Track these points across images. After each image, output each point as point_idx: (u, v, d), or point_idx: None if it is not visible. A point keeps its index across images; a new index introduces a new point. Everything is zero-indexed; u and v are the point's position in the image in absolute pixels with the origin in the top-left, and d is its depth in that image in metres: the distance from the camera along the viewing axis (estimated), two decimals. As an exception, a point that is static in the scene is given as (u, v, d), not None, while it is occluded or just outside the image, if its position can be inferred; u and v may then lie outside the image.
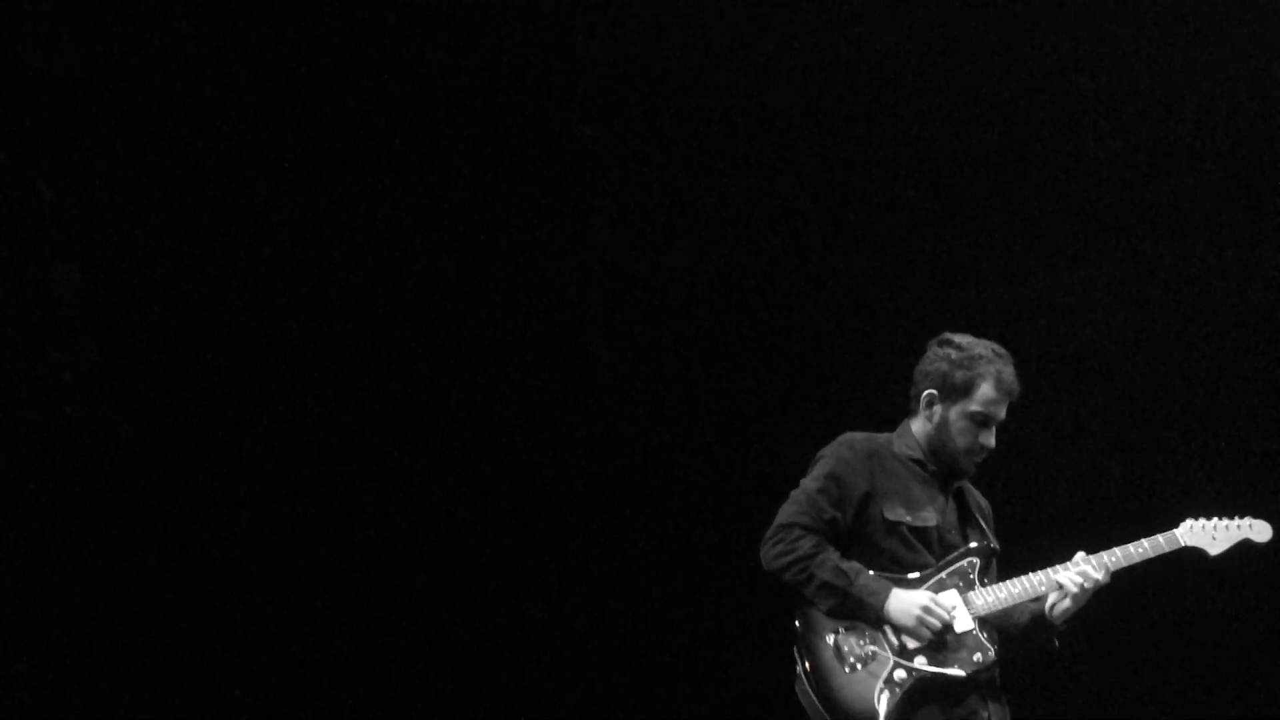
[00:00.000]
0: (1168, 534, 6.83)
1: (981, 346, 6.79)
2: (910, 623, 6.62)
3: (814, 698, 6.63)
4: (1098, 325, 9.17)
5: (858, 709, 6.58)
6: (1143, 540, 6.80)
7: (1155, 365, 9.13)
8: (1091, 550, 6.77)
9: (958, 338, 6.83)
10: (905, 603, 6.63)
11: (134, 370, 9.29)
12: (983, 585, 6.75)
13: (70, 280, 9.24)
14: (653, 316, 9.39)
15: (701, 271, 9.38)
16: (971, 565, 6.76)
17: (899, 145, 9.24)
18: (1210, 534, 6.85)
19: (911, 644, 6.64)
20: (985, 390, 6.75)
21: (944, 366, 6.77)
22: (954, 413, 6.78)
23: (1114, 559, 6.74)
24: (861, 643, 6.65)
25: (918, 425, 6.86)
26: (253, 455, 9.30)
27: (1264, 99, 9.01)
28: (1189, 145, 9.08)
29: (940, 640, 6.65)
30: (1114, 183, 9.14)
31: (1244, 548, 6.88)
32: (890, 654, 6.64)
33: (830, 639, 6.67)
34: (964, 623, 6.69)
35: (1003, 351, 6.81)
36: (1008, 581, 6.78)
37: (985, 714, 6.70)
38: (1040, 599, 6.76)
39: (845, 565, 6.65)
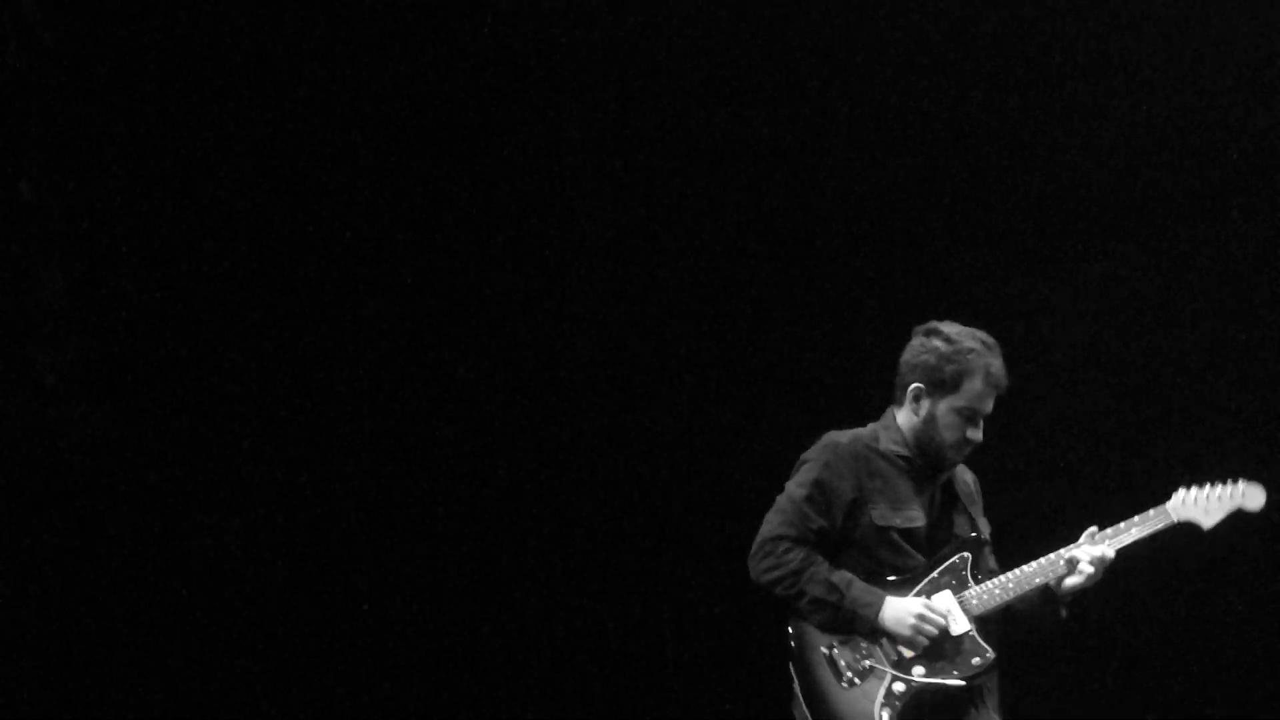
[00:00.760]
0: (1159, 508, 6.63)
1: (970, 339, 6.62)
2: (906, 632, 6.51)
3: (808, 715, 6.54)
4: (1087, 323, 9.12)
5: None
6: (1133, 518, 6.64)
7: (1146, 363, 9.09)
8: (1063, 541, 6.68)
9: (945, 328, 6.65)
10: (899, 611, 6.51)
11: (118, 371, 9.24)
12: (976, 582, 6.62)
13: (53, 281, 9.17)
14: (641, 316, 9.34)
15: (690, 269, 9.34)
16: (964, 561, 6.64)
17: (891, 142, 9.19)
18: (1203, 506, 6.63)
19: (908, 653, 6.53)
20: (974, 385, 6.58)
21: (931, 360, 6.60)
22: (942, 407, 6.61)
23: (1118, 537, 6.59)
24: (857, 656, 6.54)
25: (903, 417, 6.69)
26: (239, 456, 9.25)
27: (1262, 97, 8.96)
28: (1184, 144, 9.04)
29: (937, 646, 6.54)
30: (1106, 181, 9.10)
31: (1239, 518, 6.68)
32: (888, 666, 6.53)
33: (825, 653, 6.57)
34: (960, 625, 6.57)
35: (991, 342, 6.65)
36: (1002, 577, 6.63)
37: (981, 715, 6.60)
38: (1048, 580, 6.61)
39: (835, 578, 6.53)
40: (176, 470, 9.22)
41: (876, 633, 6.53)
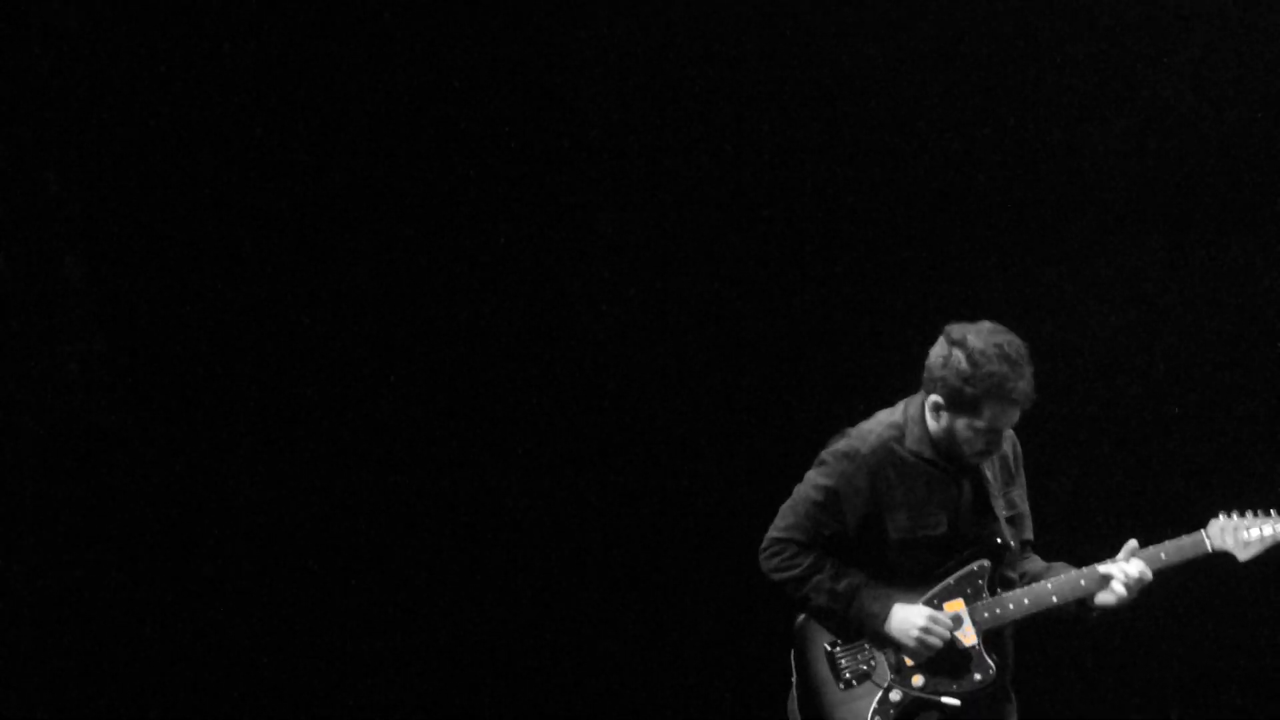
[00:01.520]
0: (1194, 536, 6.46)
1: (996, 359, 6.32)
2: (910, 642, 6.44)
3: (799, 715, 6.54)
4: (1111, 319, 9.05)
5: None
6: (1165, 543, 6.47)
7: (1169, 359, 9.02)
8: (1098, 551, 6.58)
9: (972, 339, 6.35)
10: (904, 621, 6.44)
11: (142, 363, 9.27)
12: (993, 593, 6.51)
13: (77, 271, 9.22)
14: (655, 309, 9.33)
15: (705, 263, 9.31)
16: (982, 569, 6.52)
17: (908, 137, 9.13)
18: (1242, 539, 6.41)
19: (910, 662, 6.47)
20: (994, 409, 6.34)
21: (953, 379, 6.35)
22: (960, 424, 6.41)
23: (1153, 560, 6.45)
24: (858, 659, 6.51)
25: (929, 420, 6.50)
26: (261, 449, 9.27)
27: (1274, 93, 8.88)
28: (1201, 139, 8.96)
29: (941, 657, 6.47)
30: (1128, 176, 9.02)
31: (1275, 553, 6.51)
32: (888, 673, 6.49)
33: (826, 650, 6.54)
34: (968, 638, 6.49)
35: (1018, 356, 6.35)
36: (1019, 591, 6.50)
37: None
38: (1066, 600, 6.51)
39: (840, 586, 6.46)
40: (199, 460, 9.24)
41: (881, 639, 6.48)
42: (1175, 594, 8.61)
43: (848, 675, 6.50)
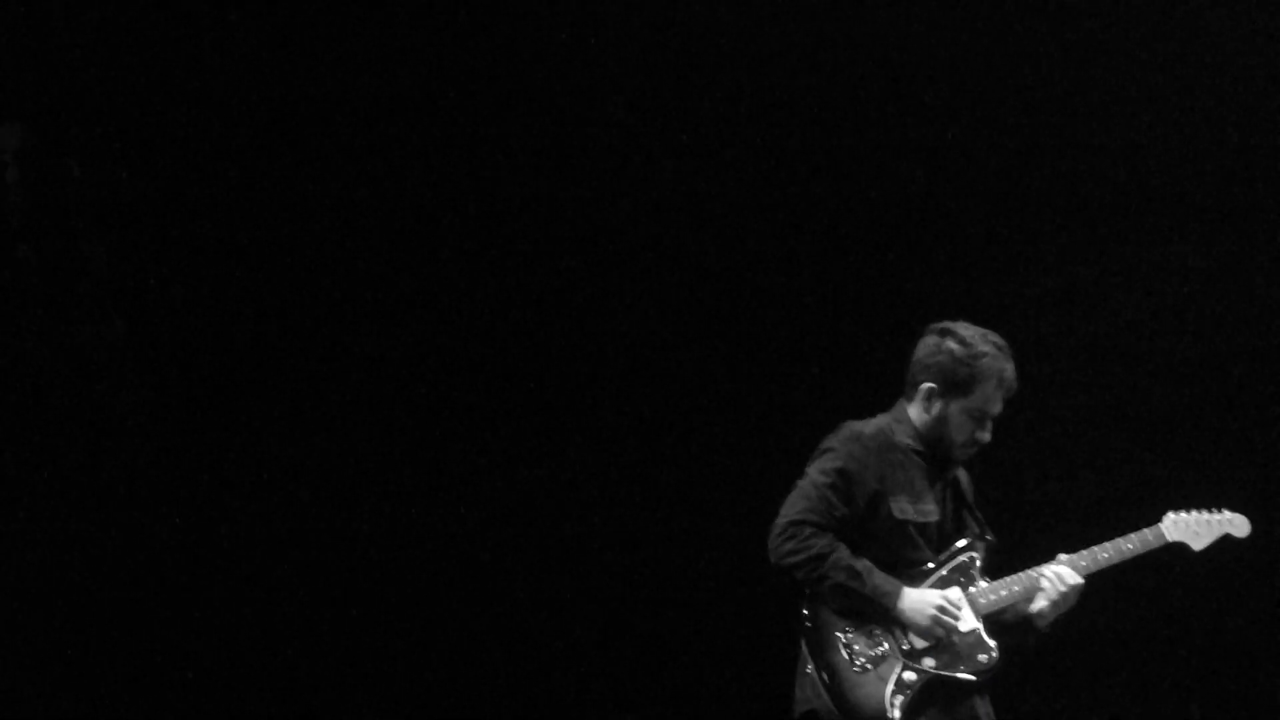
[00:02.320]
0: (1154, 529, 6.81)
1: (984, 342, 6.68)
2: (924, 622, 6.57)
3: (827, 699, 6.58)
4: (1088, 320, 9.12)
5: (869, 710, 6.53)
6: (1130, 535, 6.78)
7: (1146, 361, 9.10)
8: (1072, 548, 6.75)
9: (960, 329, 6.71)
10: (918, 602, 6.58)
11: (163, 348, 9.32)
12: (983, 581, 6.70)
13: (100, 258, 9.26)
14: (653, 308, 9.37)
15: (703, 261, 9.36)
16: (971, 560, 6.72)
17: (906, 135, 9.18)
18: (1193, 529, 6.84)
19: (919, 644, 6.59)
20: (985, 389, 6.65)
21: (945, 361, 6.66)
22: (954, 408, 6.68)
23: (1097, 559, 6.72)
24: (870, 643, 6.59)
25: (914, 413, 6.75)
26: (278, 434, 9.30)
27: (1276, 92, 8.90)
28: (1197, 139, 9.01)
29: (947, 640, 6.60)
30: (1116, 177, 9.08)
31: (1226, 542, 6.91)
32: (899, 655, 6.59)
33: (839, 637, 6.61)
34: (969, 621, 6.64)
35: (1003, 345, 6.71)
36: (1007, 578, 6.73)
37: (981, 712, 6.66)
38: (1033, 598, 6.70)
39: (858, 565, 6.57)
40: (221, 446, 9.28)
41: (891, 621, 6.58)
42: (1197, 594, 8.67)
43: (862, 659, 6.60)
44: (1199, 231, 9.06)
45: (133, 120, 9.24)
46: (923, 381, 6.69)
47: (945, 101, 9.10)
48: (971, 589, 6.67)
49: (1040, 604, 6.69)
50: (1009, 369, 6.66)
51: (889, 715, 6.49)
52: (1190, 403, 9.06)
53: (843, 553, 6.57)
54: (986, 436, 6.70)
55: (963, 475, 6.89)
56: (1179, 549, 6.85)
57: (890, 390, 6.94)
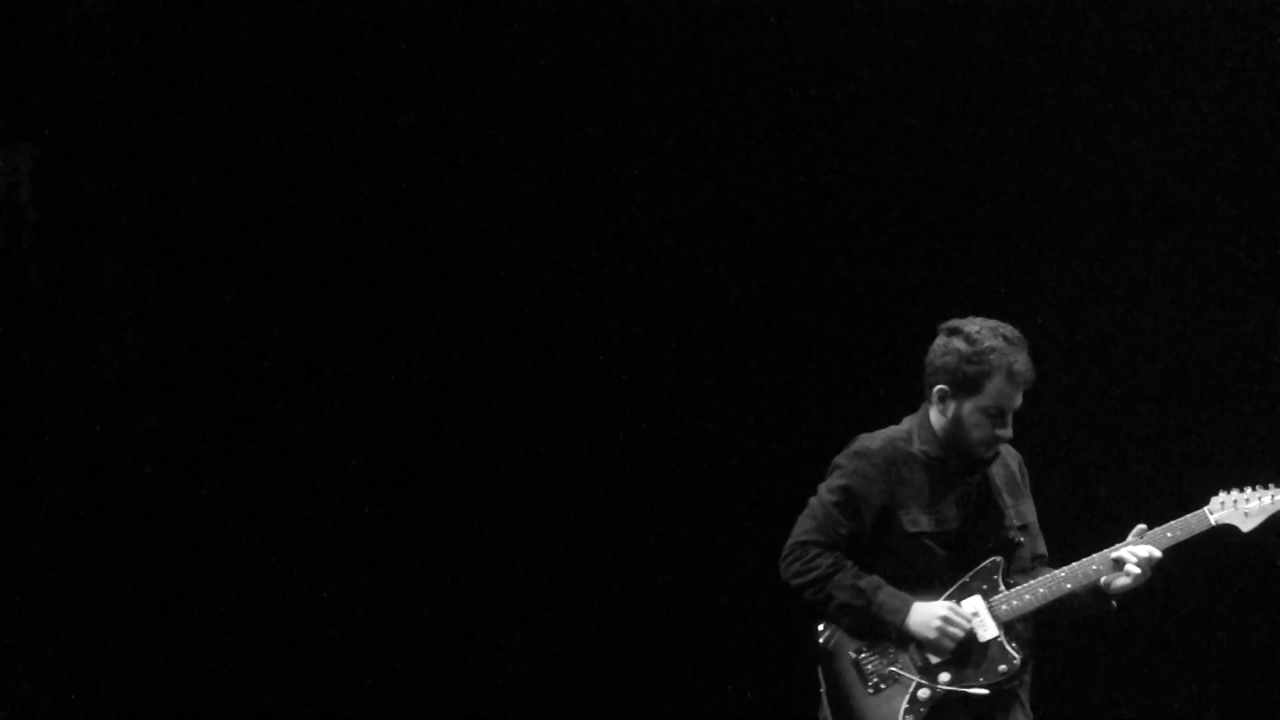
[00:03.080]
0: (1197, 513, 6.59)
1: (992, 336, 6.49)
2: (931, 635, 6.46)
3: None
4: (1114, 313, 9.02)
5: None
6: (1173, 523, 6.59)
7: (1173, 353, 9.00)
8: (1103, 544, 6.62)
9: (967, 326, 6.54)
10: (925, 616, 6.47)
11: (179, 364, 9.33)
12: (1008, 587, 6.57)
13: (115, 275, 9.28)
14: (666, 312, 9.35)
15: (714, 261, 9.32)
16: (995, 565, 6.58)
17: (918, 131, 9.12)
18: (1242, 509, 6.58)
19: (935, 660, 6.49)
20: (997, 385, 6.47)
21: (952, 361, 6.50)
22: (967, 408, 6.52)
23: (1159, 540, 6.54)
24: (884, 661, 6.51)
25: (934, 416, 6.60)
26: (294, 451, 9.32)
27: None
28: (1211, 134, 8.93)
29: (964, 652, 6.49)
30: (1132, 171, 9.00)
31: (1277, 522, 6.64)
32: (913, 673, 6.50)
33: (853, 657, 6.54)
34: (988, 631, 6.52)
35: (1015, 337, 6.53)
36: (1033, 581, 6.56)
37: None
38: (1080, 586, 6.56)
39: (863, 583, 6.50)
40: (236, 462, 9.30)
41: (904, 638, 6.50)
42: (1212, 595, 8.62)
43: (875, 679, 6.52)
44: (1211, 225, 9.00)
45: (145, 137, 9.25)
46: (935, 384, 6.56)
47: (946, 103, 9.07)
48: (994, 596, 6.54)
49: (1122, 580, 6.52)
50: (1019, 361, 6.48)
51: None
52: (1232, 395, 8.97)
53: (846, 573, 6.50)
54: (1007, 433, 6.53)
55: (1009, 462, 6.73)
56: (1228, 531, 6.62)
57: (905, 397, 6.86)
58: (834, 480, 6.62)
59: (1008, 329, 6.53)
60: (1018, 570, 6.63)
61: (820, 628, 6.62)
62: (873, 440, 6.67)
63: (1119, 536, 6.62)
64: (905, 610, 6.48)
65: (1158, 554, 6.52)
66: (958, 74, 9.06)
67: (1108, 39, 8.92)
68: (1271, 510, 6.61)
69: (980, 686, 6.48)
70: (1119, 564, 6.53)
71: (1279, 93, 8.80)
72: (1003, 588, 6.57)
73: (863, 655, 6.54)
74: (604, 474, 9.30)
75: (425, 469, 9.34)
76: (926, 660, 6.50)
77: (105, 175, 9.27)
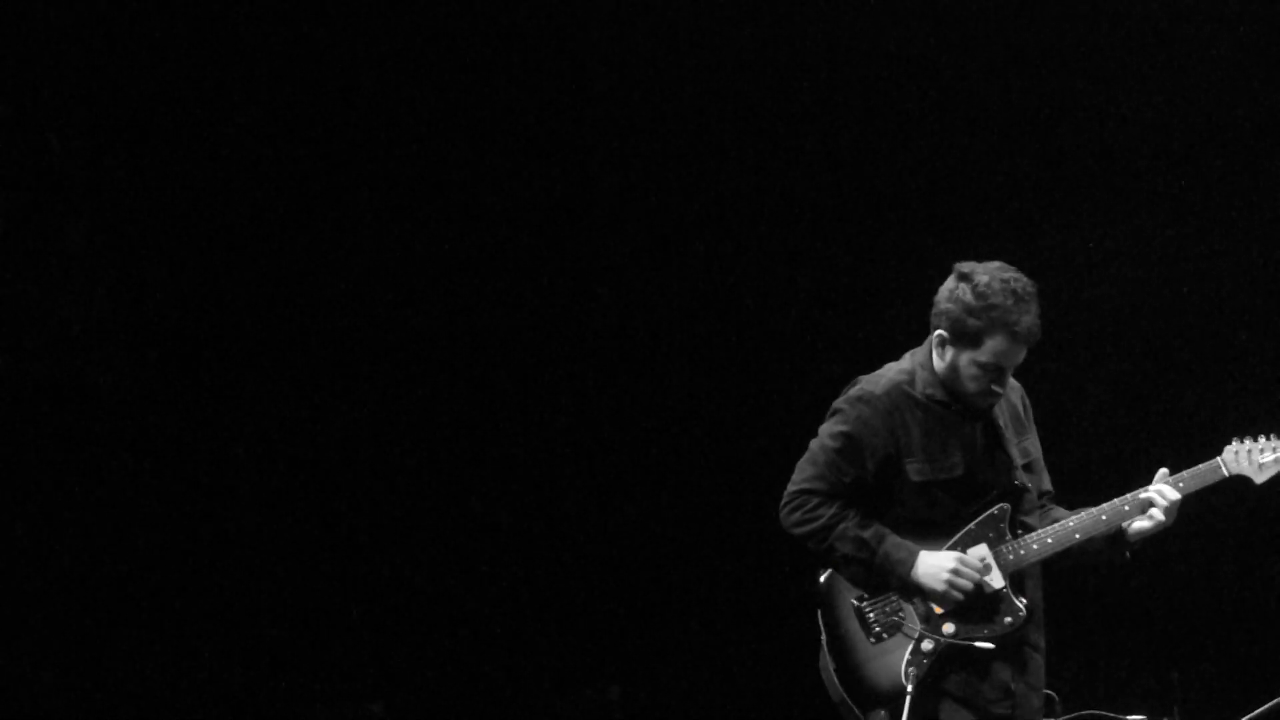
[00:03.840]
0: (1210, 464, 6.47)
1: (1000, 291, 6.23)
2: (939, 587, 6.30)
3: (832, 672, 6.42)
4: (1118, 280, 9.05)
5: (884, 682, 6.34)
6: (1185, 473, 6.46)
7: (1186, 320, 9.03)
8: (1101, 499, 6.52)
9: (977, 275, 6.28)
10: (932, 566, 6.31)
11: (143, 321, 9.29)
12: (1014, 535, 6.39)
13: (79, 232, 9.20)
14: (659, 289, 9.39)
15: (708, 227, 9.36)
16: (1003, 512, 6.40)
17: (918, 102, 9.17)
18: (1256, 460, 6.46)
19: (939, 610, 6.37)
20: (996, 343, 6.25)
21: (956, 310, 6.27)
22: (964, 359, 6.30)
23: (1176, 486, 6.45)
24: (887, 611, 6.38)
25: (935, 359, 6.40)
26: (261, 412, 9.31)
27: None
28: (1213, 104, 9.00)
29: (970, 603, 6.34)
30: (1132, 140, 9.05)
31: None
32: (917, 623, 6.34)
33: (855, 605, 6.40)
34: (995, 580, 6.38)
35: (1025, 292, 6.26)
36: (1041, 530, 6.40)
37: (1014, 684, 6.41)
38: (1090, 536, 6.42)
39: (867, 534, 6.33)
40: (200, 420, 9.27)
41: (909, 588, 6.36)
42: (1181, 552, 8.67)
43: (877, 629, 6.40)
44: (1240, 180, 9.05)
45: (113, 94, 9.19)
46: (936, 327, 6.35)
47: (935, 87, 9.13)
48: (1001, 545, 6.40)
49: (1143, 522, 6.42)
50: (1024, 320, 6.23)
51: (903, 686, 6.27)
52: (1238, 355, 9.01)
53: (850, 523, 6.34)
54: (1001, 388, 6.34)
55: (1012, 397, 6.51)
56: (1241, 482, 6.51)
57: (900, 345, 6.75)
58: (835, 425, 6.43)
59: (1021, 283, 6.29)
60: (1025, 512, 6.48)
61: (819, 578, 6.51)
62: (875, 385, 6.45)
63: (1122, 489, 6.51)
64: (911, 560, 6.33)
65: (1178, 497, 6.44)
66: (952, 60, 9.13)
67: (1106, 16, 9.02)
68: None
69: (985, 639, 6.34)
70: (1140, 506, 6.44)
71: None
72: (1009, 536, 6.42)
73: (864, 604, 6.41)
74: (600, 460, 9.38)
75: (389, 432, 9.37)
76: (930, 610, 6.38)
77: (71, 131, 9.19)
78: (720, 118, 9.30)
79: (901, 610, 6.41)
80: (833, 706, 6.48)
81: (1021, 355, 6.35)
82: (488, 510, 9.31)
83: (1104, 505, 6.47)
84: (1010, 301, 6.26)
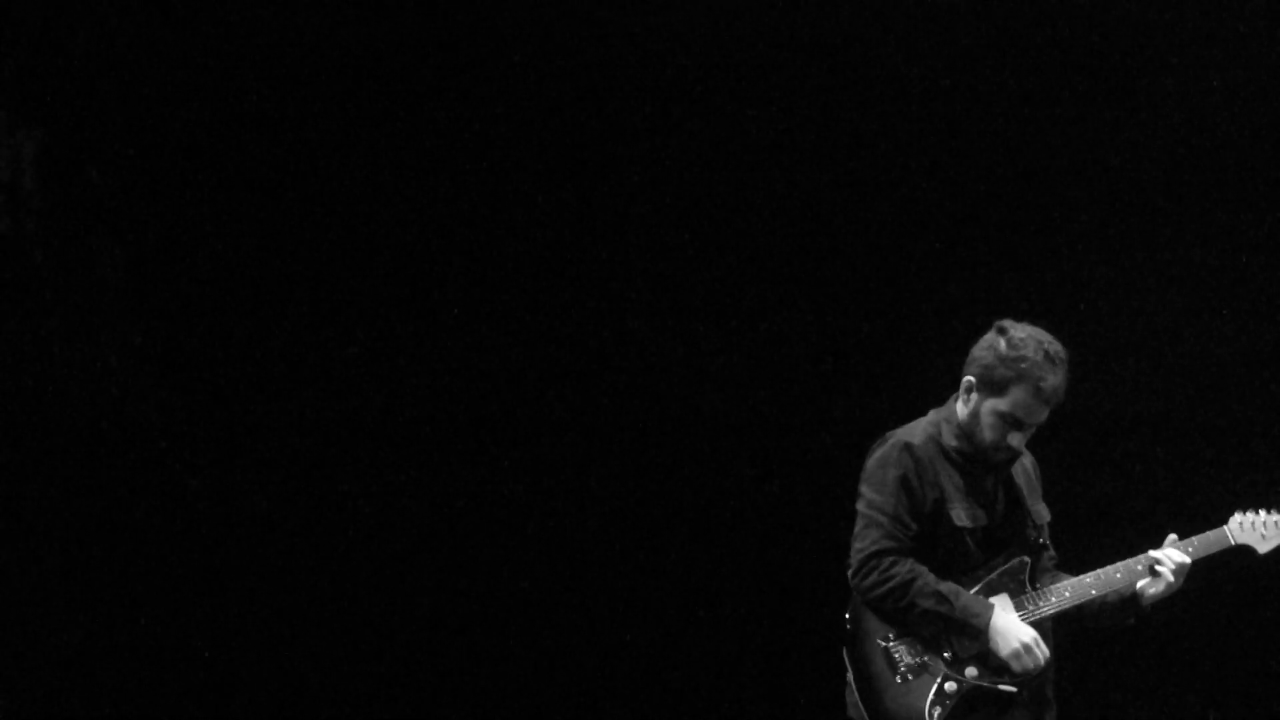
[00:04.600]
0: (1217, 531, 6.75)
1: (1033, 347, 6.49)
2: (1008, 653, 6.48)
3: (861, 708, 6.54)
4: (1142, 314, 9.07)
5: None
6: (1193, 539, 6.73)
7: (1199, 356, 9.04)
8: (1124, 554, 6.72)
9: (1015, 330, 6.54)
10: (1008, 633, 6.49)
11: (180, 352, 9.31)
12: (1034, 588, 6.62)
13: (117, 263, 9.25)
14: (682, 307, 9.36)
15: (736, 255, 9.33)
16: (1023, 565, 6.64)
17: (939, 127, 9.15)
18: (1260, 531, 6.76)
19: (964, 653, 6.53)
20: (1020, 395, 6.49)
21: (989, 358, 6.51)
22: (986, 406, 6.54)
23: (1193, 549, 6.70)
24: (913, 652, 6.53)
25: (959, 408, 6.62)
26: (295, 443, 9.31)
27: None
28: (1233, 133, 8.97)
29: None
30: (1157, 171, 9.03)
31: None
32: (942, 665, 6.50)
33: (882, 645, 6.55)
34: None
35: (1057, 355, 6.52)
36: (1059, 584, 6.64)
37: None
38: (1106, 592, 6.65)
39: (944, 589, 6.49)
40: (236, 451, 9.29)
41: (983, 643, 6.51)
42: (1209, 598, 8.61)
43: (903, 668, 6.53)
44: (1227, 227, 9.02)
45: (152, 127, 9.23)
46: (966, 374, 6.59)
47: (959, 100, 9.10)
48: (1021, 596, 6.61)
49: (1154, 586, 6.63)
50: (1052, 379, 6.47)
51: None
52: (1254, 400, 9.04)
53: (927, 578, 6.48)
54: (1017, 444, 6.56)
55: (1024, 462, 6.78)
56: (1244, 551, 6.78)
57: (918, 393, 6.93)
58: (888, 478, 6.58)
59: (1054, 346, 6.53)
60: (1041, 571, 6.71)
61: (847, 615, 6.62)
62: (911, 435, 6.65)
63: (1134, 549, 6.71)
64: (987, 616, 6.49)
65: (1188, 561, 6.66)
66: (961, 75, 9.10)
67: (1128, 32, 8.98)
68: None
69: (1008, 684, 6.51)
70: (1150, 568, 6.64)
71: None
72: (1029, 588, 6.64)
73: (891, 644, 6.54)
74: (605, 473, 9.34)
75: (425, 465, 9.34)
76: (955, 654, 6.52)
77: (110, 163, 9.23)
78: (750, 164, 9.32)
79: (927, 651, 6.54)
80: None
81: (1043, 414, 6.56)
82: (488, 525, 9.36)
83: (1119, 564, 6.70)
84: (1041, 358, 6.50)
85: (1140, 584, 6.64)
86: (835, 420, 8.91)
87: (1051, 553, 6.79)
